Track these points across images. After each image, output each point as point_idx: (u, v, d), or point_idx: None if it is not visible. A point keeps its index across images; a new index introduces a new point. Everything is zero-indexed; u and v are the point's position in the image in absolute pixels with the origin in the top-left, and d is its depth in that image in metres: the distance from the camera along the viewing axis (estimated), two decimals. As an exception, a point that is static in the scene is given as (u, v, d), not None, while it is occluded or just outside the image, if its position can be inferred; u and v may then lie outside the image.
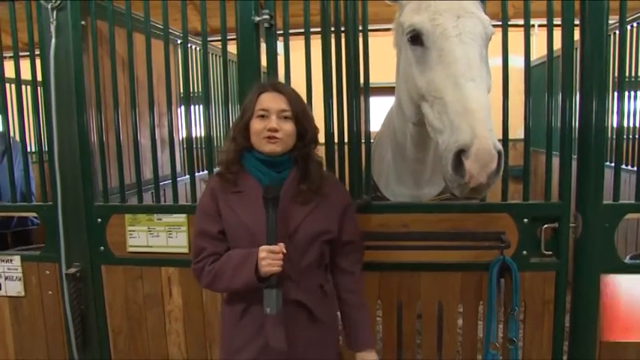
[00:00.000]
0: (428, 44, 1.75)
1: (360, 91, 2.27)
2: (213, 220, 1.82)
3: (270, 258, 1.63)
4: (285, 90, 1.83)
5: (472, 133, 1.51)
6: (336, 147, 2.15)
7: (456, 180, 1.58)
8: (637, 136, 2.43)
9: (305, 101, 2.18)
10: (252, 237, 1.74)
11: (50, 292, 2.63)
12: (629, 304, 2.24)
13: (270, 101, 1.78)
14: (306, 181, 1.80)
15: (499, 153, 1.54)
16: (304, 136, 1.82)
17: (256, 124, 1.78)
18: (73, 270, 2.50)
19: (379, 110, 2.98)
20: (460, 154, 1.54)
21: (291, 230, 1.77)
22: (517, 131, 2.42)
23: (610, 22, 2.19)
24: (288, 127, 1.78)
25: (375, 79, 2.36)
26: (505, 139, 2.21)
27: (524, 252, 2.26)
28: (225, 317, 1.91)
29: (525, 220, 2.23)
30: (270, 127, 1.74)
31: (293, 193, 1.79)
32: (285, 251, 1.66)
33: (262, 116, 1.77)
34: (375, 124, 2.83)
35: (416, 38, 1.78)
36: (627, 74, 2.88)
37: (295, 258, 1.75)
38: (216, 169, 1.96)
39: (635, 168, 2.35)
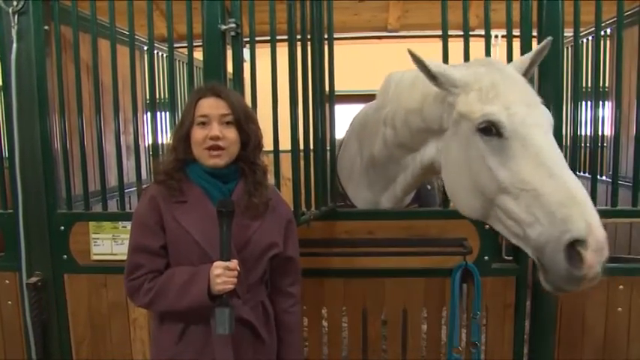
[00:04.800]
0: (507, 134, 1.65)
1: (325, 98, 2.29)
2: (153, 234, 1.67)
3: (225, 275, 1.54)
4: (225, 94, 1.71)
5: (587, 223, 1.45)
6: (301, 154, 2.17)
7: (571, 272, 1.48)
8: (591, 145, 2.51)
9: (272, 107, 2.20)
10: (202, 253, 1.63)
11: (10, 303, 2.56)
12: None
13: (210, 107, 1.68)
14: (257, 194, 1.70)
15: None
16: (247, 143, 1.72)
17: (197, 133, 1.67)
18: (34, 279, 2.44)
19: (344, 118, 3.02)
20: (574, 246, 1.47)
21: (241, 245, 1.66)
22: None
23: (566, 34, 2.28)
24: (231, 134, 1.67)
25: (340, 87, 2.38)
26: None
27: (486, 257, 2.32)
28: (159, 340, 1.75)
29: (486, 226, 2.28)
30: (212, 134, 1.64)
31: (243, 207, 1.67)
32: (239, 268, 1.58)
33: (203, 123, 1.67)
34: (341, 131, 2.87)
35: (490, 129, 1.69)
36: (583, 85, 2.99)
37: (242, 274, 1.62)
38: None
39: (590, 175, 2.43)
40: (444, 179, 1.96)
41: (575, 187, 1.53)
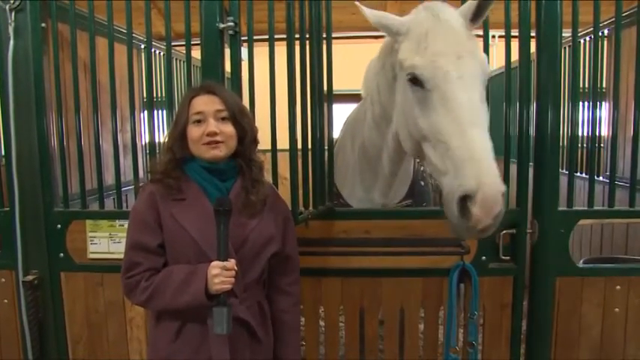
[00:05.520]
0: (429, 87, 1.71)
1: (323, 98, 2.29)
2: (152, 231, 1.66)
3: (223, 275, 1.53)
4: (218, 91, 1.72)
5: (478, 180, 1.52)
6: (299, 153, 2.16)
7: (462, 223, 1.60)
8: (589, 145, 2.52)
9: (270, 106, 2.19)
10: (199, 251, 1.63)
11: (6, 301, 2.55)
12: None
13: (205, 104, 1.67)
14: (254, 191, 1.70)
15: (502, 195, 1.56)
16: (244, 138, 1.72)
17: (193, 131, 1.66)
18: (30, 277, 2.44)
19: (342, 117, 3.02)
20: (465, 199, 1.56)
21: (238, 244, 1.65)
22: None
23: (565, 35, 2.28)
24: (228, 128, 1.67)
25: (338, 86, 2.38)
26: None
27: (483, 257, 2.32)
28: (155, 339, 1.75)
29: (484, 226, 2.28)
30: (209, 131, 1.64)
31: (241, 205, 1.68)
32: (236, 268, 1.57)
33: (198, 121, 1.66)
34: (338, 131, 2.87)
35: (416, 80, 1.74)
36: (580, 85, 2.99)
37: (240, 273, 1.62)
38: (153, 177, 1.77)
39: (587, 175, 2.43)
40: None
41: (480, 145, 1.60)
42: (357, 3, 1.95)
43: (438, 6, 1.85)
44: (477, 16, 1.85)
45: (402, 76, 1.83)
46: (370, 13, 1.91)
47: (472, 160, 1.56)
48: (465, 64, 1.71)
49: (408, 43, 1.82)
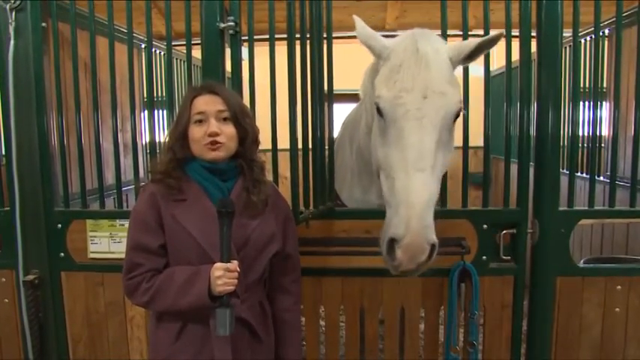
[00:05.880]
0: (388, 121, 1.73)
1: (324, 97, 2.29)
2: (153, 232, 1.66)
3: (226, 277, 1.52)
4: (220, 90, 1.71)
5: (407, 227, 1.56)
6: (299, 153, 2.16)
7: (388, 260, 1.67)
8: (590, 145, 2.52)
9: (271, 105, 2.19)
10: (201, 252, 1.63)
11: (6, 301, 2.55)
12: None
13: (206, 104, 1.67)
14: (255, 192, 1.70)
15: (432, 245, 1.59)
16: (245, 139, 1.72)
17: (195, 132, 1.66)
18: (31, 277, 2.44)
19: (342, 117, 3.02)
20: (393, 241, 1.61)
21: (240, 244, 1.65)
22: (478, 138, 2.47)
23: (565, 34, 2.28)
24: (229, 129, 1.67)
25: (338, 86, 2.38)
26: (465, 147, 2.28)
27: (484, 257, 2.32)
28: (156, 339, 1.74)
29: (485, 226, 2.29)
30: (211, 131, 1.64)
31: (243, 205, 1.67)
32: (239, 269, 1.56)
33: (200, 121, 1.66)
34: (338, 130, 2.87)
35: (379, 110, 1.76)
36: (581, 85, 3.00)
37: (241, 273, 1.60)
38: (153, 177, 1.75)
39: (588, 175, 2.43)
40: None
41: (419, 191, 1.61)
42: (354, 17, 1.94)
43: (423, 36, 1.84)
44: (471, 57, 1.86)
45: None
46: (361, 31, 1.91)
47: (407, 205, 1.59)
48: (429, 105, 1.69)
49: (385, 70, 1.83)
